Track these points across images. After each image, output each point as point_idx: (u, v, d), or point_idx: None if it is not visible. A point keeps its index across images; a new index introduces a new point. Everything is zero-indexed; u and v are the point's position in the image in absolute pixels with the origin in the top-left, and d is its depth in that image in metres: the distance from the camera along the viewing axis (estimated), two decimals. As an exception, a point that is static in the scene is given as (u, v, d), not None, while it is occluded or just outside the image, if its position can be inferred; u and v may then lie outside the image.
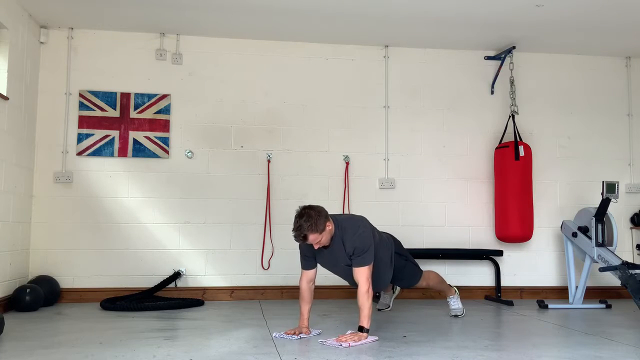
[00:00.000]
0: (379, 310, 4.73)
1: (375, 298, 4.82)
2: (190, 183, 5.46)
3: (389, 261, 3.90)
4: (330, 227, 3.51)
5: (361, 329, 3.45)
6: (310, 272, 3.72)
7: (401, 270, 4.07)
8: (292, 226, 3.46)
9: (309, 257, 3.71)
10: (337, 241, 3.58)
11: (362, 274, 3.53)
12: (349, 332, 3.52)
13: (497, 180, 5.65)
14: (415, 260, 5.57)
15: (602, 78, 6.10)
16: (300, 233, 3.43)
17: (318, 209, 3.48)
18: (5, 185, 4.62)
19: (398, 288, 4.78)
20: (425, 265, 5.51)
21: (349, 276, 3.76)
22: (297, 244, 3.63)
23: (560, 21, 5.14)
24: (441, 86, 5.88)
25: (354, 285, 3.79)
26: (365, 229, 3.64)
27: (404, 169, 5.75)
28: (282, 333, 3.62)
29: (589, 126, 6.04)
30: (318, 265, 3.76)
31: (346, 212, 5.58)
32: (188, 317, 4.44)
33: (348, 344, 3.30)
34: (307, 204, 3.56)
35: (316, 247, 3.53)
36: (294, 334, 3.57)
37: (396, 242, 4.12)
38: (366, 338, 3.43)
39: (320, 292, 5.26)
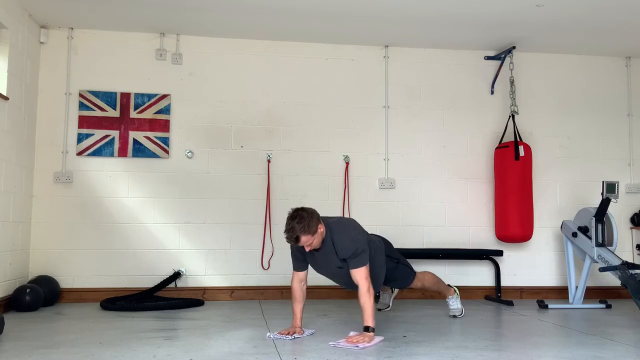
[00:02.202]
0: (379, 310, 4.73)
1: (375, 298, 4.82)
2: (190, 183, 5.46)
3: (380, 263, 3.90)
4: (322, 229, 3.51)
5: (367, 328, 3.42)
6: (302, 273, 3.74)
7: (392, 272, 4.05)
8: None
9: (300, 259, 3.71)
10: (328, 244, 3.58)
11: (361, 275, 3.53)
12: (353, 333, 3.49)
13: (497, 180, 5.65)
14: (415, 260, 5.60)
15: (602, 78, 6.10)
16: (292, 234, 3.42)
17: (310, 210, 3.48)
18: (5, 185, 4.62)
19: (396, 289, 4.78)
20: (425, 266, 5.53)
21: (340, 278, 3.77)
22: None
23: (560, 21, 5.15)
24: (441, 86, 5.88)
25: (345, 286, 3.82)
26: (358, 233, 3.64)
27: (404, 169, 5.75)
28: (276, 333, 3.62)
29: (589, 126, 6.04)
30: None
31: (346, 212, 5.58)
32: (188, 317, 4.44)
33: (364, 345, 3.26)
34: (300, 206, 3.55)
35: (307, 249, 3.52)
36: (288, 334, 3.58)
37: (386, 244, 4.09)
38: (374, 339, 3.41)
39: (319, 292, 5.28)
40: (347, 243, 3.55)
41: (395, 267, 4.07)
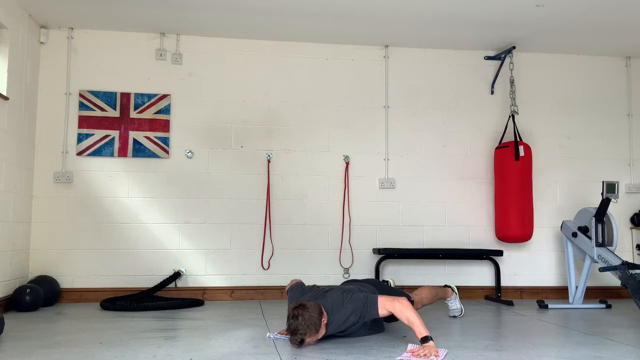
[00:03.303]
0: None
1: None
2: (190, 183, 5.46)
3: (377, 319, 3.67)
4: (325, 320, 3.30)
5: (426, 339, 3.11)
6: None
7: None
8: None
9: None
10: (332, 326, 3.37)
11: (385, 306, 3.29)
12: (412, 345, 3.23)
13: (497, 180, 5.65)
14: (415, 260, 5.60)
15: (602, 78, 6.10)
16: (297, 338, 3.20)
17: (312, 307, 3.24)
18: (5, 185, 4.62)
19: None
20: (425, 266, 5.54)
21: (352, 336, 3.60)
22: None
23: (560, 21, 5.15)
24: (441, 86, 5.88)
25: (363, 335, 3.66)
26: (349, 295, 3.40)
27: (404, 169, 5.76)
28: (275, 333, 3.62)
29: (589, 126, 6.04)
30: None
31: (346, 212, 5.58)
32: (188, 317, 4.44)
33: (434, 359, 2.98)
34: (299, 303, 3.28)
35: (313, 343, 3.35)
36: (286, 334, 3.56)
37: (377, 285, 3.91)
38: (436, 349, 3.08)
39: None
40: (350, 312, 3.35)
41: None
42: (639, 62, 6.16)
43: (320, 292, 3.49)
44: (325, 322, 3.31)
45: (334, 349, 3.26)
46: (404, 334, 3.72)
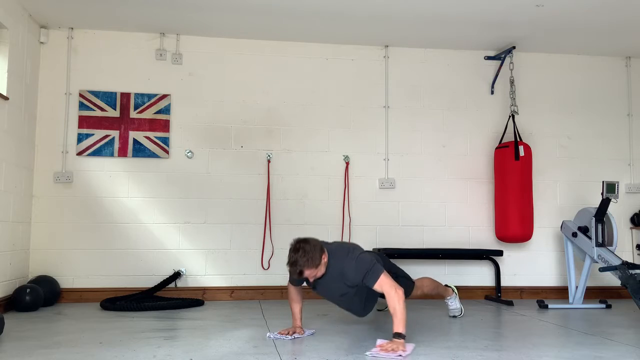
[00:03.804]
0: (378, 310, 4.73)
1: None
2: (190, 183, 5.46)
3: None
4: (325, 259, 3.40)
5: (398, 335, 3.19)
6: (298, 287, 3.71)
7: None
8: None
9: (298, 280, 3.62)
10: (331, 271, 3.46)
11: (383, 284, 3.35)
12: (382, 341, 3.27)
13: (497, 180, 5.65)
14: (415, 260, 5.60)
15: (602, 78, 6.10)
16: (296, 269, 3.33)
17: (313, 242, 3.38)
18: (5, 185, 4.62)
19: None
20: (425, 266, 5.54)
21: (343, 304, 3.71)
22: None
23: (560, 21, 5.15)
24: (441, 86, 5.88)
25: (349, 312, 3.76)
26: (361, 252, 3.52)
27: (404, 169, 5.76)
28: (276, 333, 3.62)
29: (589, 126, 6.04)
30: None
31: (346, 212, 5.58)
32: (188, 317, 4.44)
33: (406, 354, 3.09)
34: (302, 237, 3.44)
35: (311, 280, 3.46)
36: (288, 333, 3.57)
37: (384, 260, 3.97)
38: (405, 345, 3.17)
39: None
40: (355, 266, 3.41)
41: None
42: (639, 62, 6.15)
43: (327, 243, 3.60)
44: (325, 260, 3.40)
45: (334, 349, 3.27)
46: (404, 334, 3.72)
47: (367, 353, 3.14)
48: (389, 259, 4.15)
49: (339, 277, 3.48)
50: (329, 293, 3.63)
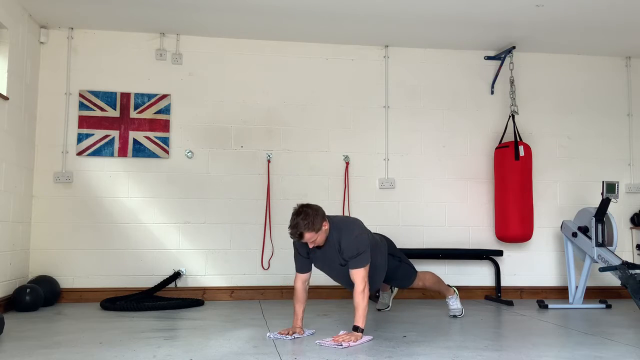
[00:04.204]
0: (378, 310, 4.73)
1: (375, 298, 4.82)
2: (190, 183, 5.46)
3: (382, 263, 3.93)
4: (326, 226, 3.53)
5: (356, 328, 3.43)
6: (305, 275, 3.75)
7: (395, 271, 4.07)
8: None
9: (304, 258, 3.71)
10: (331, 242, 3.59)
11: (358, 275, 3.54)
12: (342, 332, 3.52)
13: (497, 180, 5.65)
14: (415, 260, 5.59)
15: (602, 78, 6.10)
16: (296, 231, 3.44)
17: (315, 207, 3.49)
18: (5, 185, 4.62)
19: (396, 288, 4.78)
20: (425, 266, 5.53)
21: (341, 277, 3.77)
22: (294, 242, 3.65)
23: (560, 21, 5.15)
24: (441, 86, 5.88)
25: (346, 286, 3.82)
26: (361, 232, 3.66)
27: (404, 169, 5.76)
28: (275, 333, 3.62)
29: (589, 126, 6.04)
30: (313, 267, 3.77)
31: (346, 212, 5.58)
32: (188, 317, 4.44)
33: (348, 344, 3.30)
34: (305, 202, 3.56)
35: (311, 246, 3.54)
36: (288, 333, 3.58)
37: (389, 243, 4.12)
38: (361, 338, 3.42)
39: (320, 292, 5.28)
40: (351, 242, 3.56)
41: (397, 266, 4.08)
42: (639, 62, 6.15)
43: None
44: (326, 228, 3.52)
45: (334, 349, 3.27)
46: (404, 334, 3.72)
47: (317, 342, 3.38)
48: (395, 245, 4.19)
49: (337, 249, 3.58)
50: (327, 262, 3.70)
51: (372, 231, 4.03)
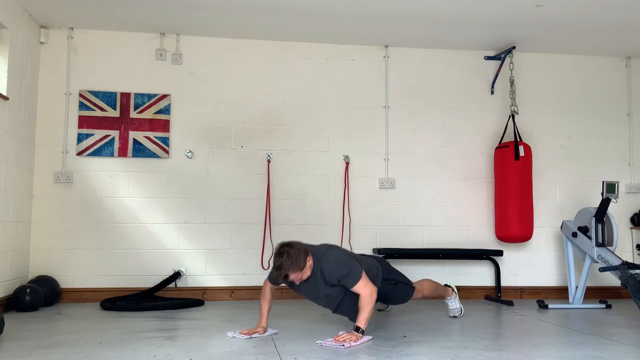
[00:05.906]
0: (378, 310, 4.73)
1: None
2: (190, 183, 5.46)
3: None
4: (310, 262, 3.47)
5: (357, 329, 3.42)
6: (275, 285, 3.73)
7: (391, 292, 3.99)
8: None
9: (280, 281, 3.63)
10: (314, 272, 3.52)
11: (359, 287, 3.50)
12: (342, 332, 3.50)
13: (497, 180, 5.65)
14: (415, 260, 5.59)
15: (601, 78, 6.10)
16: (281, 273, 3.38)
17: (297, 246, 3.44)
18: (5, 185, 4.62)
19: None
20: (425, 266, 5.54)
21: (329, 305, 3.74)
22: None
23: (560, 21, 5.15)
24: (441, 86, 5.88)
25: (335, 312, 3.79)
26: (340, 254, 3.61)
27: (404, 169, 5.76)
28: (237, 332, 3.63)
29: (589, 126, 6.04)
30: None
31: (346, 212, 5.58)
32: (188, 317, 4.44)
33: (349, 344, 3.30)
34: (286, 241, 3.49)
35: (297, 282, 3.49)
36: (247, 333, 3.58)
37: (383, 265, 4.00)
38: (362, 338, 3.42)
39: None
40: (332, 268, 3.51)
41: (393, 288, 3.98)
42: (639, 62, 6.16)
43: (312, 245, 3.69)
44: (310, 263, 3.47)
45: (334, 349, 3.26)
46: (404, 334, 3.72)
47: (318, 342, 3.37)
48: (389, 264, 4.13)
49: (321, 278, 3.54)
50: (312, 294, 3.66)
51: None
